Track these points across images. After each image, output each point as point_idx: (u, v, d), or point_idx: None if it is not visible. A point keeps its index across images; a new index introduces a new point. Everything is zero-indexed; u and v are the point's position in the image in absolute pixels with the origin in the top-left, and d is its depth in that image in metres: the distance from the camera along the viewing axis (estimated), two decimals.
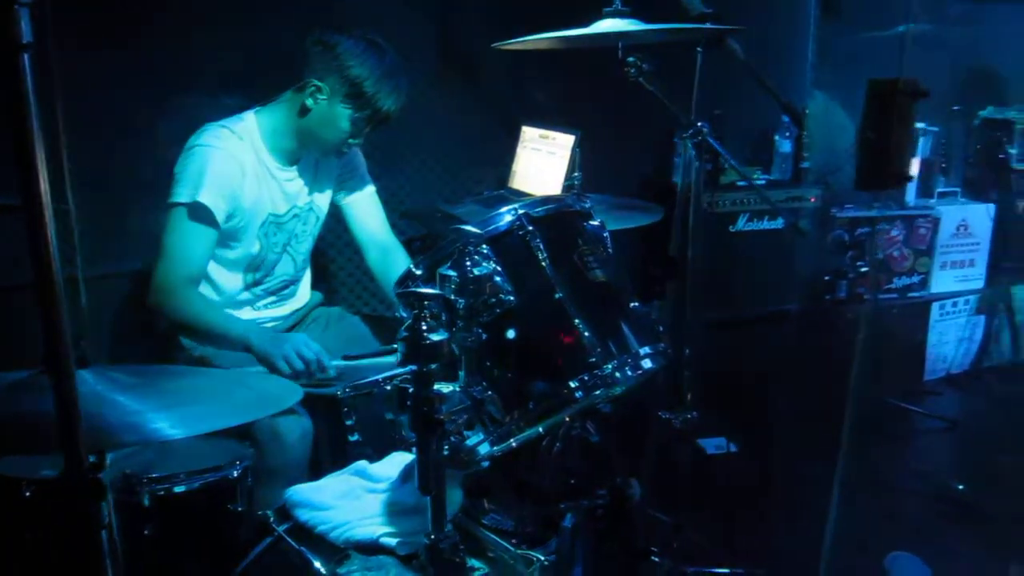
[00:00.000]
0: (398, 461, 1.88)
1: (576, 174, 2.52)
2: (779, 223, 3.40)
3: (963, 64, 4.01)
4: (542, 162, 3.03)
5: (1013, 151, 3.66)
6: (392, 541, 1.64)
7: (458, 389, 1.46)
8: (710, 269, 3.08)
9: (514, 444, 1.55)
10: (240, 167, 2.25)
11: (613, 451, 2.37)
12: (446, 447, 1.45)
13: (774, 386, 3.15)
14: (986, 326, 3.88)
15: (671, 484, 2.49)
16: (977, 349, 3.89)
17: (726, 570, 2.40)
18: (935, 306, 3.84)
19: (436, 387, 1.38)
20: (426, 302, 1.36)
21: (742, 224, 3.36)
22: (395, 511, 1.73)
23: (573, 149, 2.85)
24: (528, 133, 3.17)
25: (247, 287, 2.43)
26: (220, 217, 2.22)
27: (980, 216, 3.90)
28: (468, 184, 3.24)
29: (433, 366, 1.36)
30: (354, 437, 1.82)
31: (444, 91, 3.20)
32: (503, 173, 3.21)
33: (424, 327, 1.34)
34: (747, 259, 3.31)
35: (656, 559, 2.24)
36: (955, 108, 3.80)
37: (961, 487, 2.96)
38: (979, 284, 3.92)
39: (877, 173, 1.60)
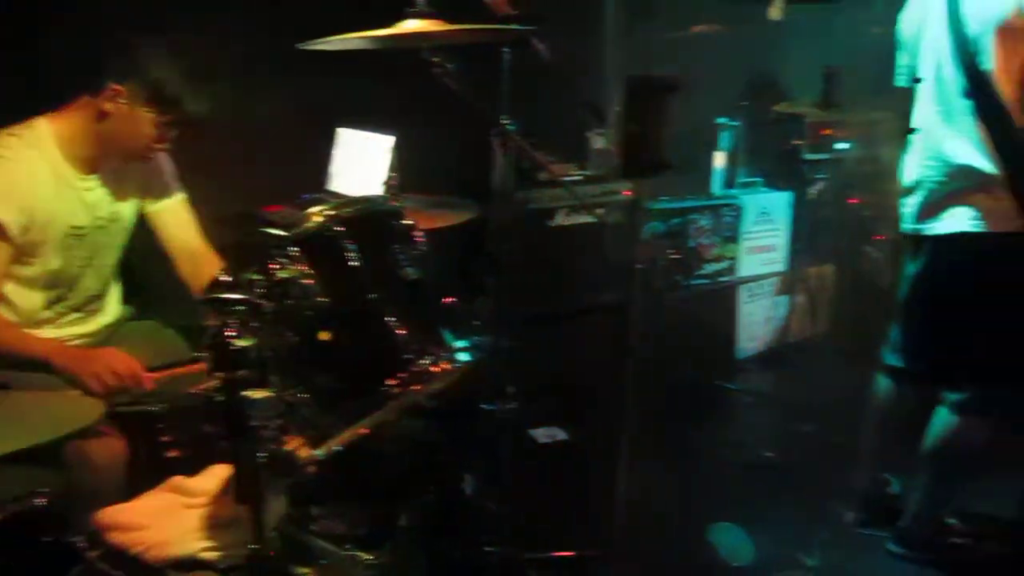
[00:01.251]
0: (217, 473, 1.83)
1: (393, 175, 2.53)
2: (596, 214, 3.51)
3: (760, 62, 4.31)
4: (360, 164, 3.02)
5: (803, 143, 3.95)
6: (211, 556, 1.60)
7: (271, 395, 1.45)
8: (529, 264, 3.17)
9: (337, 447, 1.55)
10: (32, 177, 2.12)
11: (443, 447, 2.40)
12: (263, 454, 1.43)
13: (599, 374, 3.27)
14: (788, 304, 4.18)
15: (504, 475, 2.53)
16: (781, 327, 4.18)
17: (561, 554, 2.47)
18: (743, 289, 4.09)
19: (247, 394, 1.36)
20: (232, 308, 1.34)
21: (560, 219, 3.46)
22: (215, 524, 1.69)
23: (390, 150, 2.85)
24: (345, 135, 3.15)
25: (49, 305, 2.29)
26: (13, 231, 2.08)
27: (779, 204, 4.19)
28: (284, 188, 3.17)
29: (242, 372, 1.34)
30: (172, 452, 1.76)
31: (256, 93, 3.12)
32: (320, 176, 3.17)
33: (230, 334, 1.32)
34: (566, 253, 3.41)
35: (492, 550, 2.29)
36: (743, 104, 4.05)
37: (773, 455, 3.17)
38: (781, 266, 4.21)
39: (639, 161, 1.70)
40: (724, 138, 4.08)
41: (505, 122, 2.11)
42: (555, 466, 3.10)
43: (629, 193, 3.69)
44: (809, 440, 3.28)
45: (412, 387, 1.54)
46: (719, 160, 4.08)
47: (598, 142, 3.70)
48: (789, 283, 4.17)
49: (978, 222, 2.27)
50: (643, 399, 2.89)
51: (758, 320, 4.16)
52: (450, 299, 1.72)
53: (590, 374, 3.17)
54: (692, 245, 3.94)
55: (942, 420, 2.48)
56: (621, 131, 1.64)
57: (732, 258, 4.07)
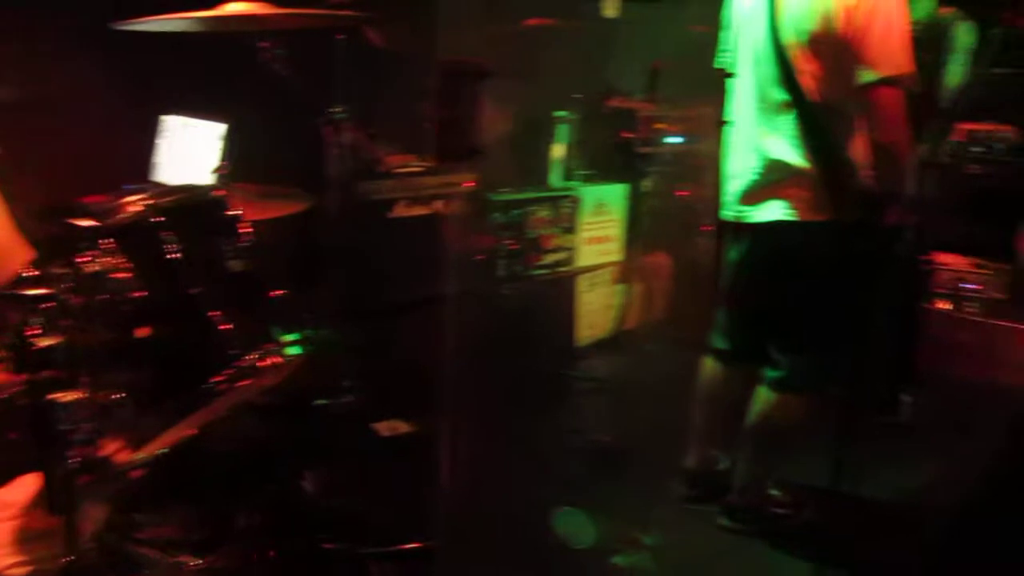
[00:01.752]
0: (26, 484, 1.70)
1: (223, 163, 2.43)
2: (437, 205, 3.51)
3: (596, 57, 4.42)
4: (188, 152, 2.89)
5: (636, 136, 4.09)
6: (21, 571, 1.49)
7: (82, 396, 1.36)
8: (368, 255, 3.13)
9: (161, 449, 1.48)
10: None
11: (279, 445, 2.34)
12: (76, 461, 1.34)
13: (442, 366, 3.27)
14: (625, 292, 4.31)
15: (347, 470, 2.49)
16: (619, 314, 4.32)
17: (403, 547, 2.45)
18: (582, 278, 4.20)
19: (55, 396, 1.28)
20: (35, 304, 1.25)
21: (400, 210, 3.43)
22: (25, 538, 1.57)
23: (220, 138, 2.74)
24: (172, 122, 3.00)
25: None
26: None
27: (615, 194, 4.32)
28: (106, 178, 2.99)
29: (48, 373, 1.25)
30: None
31: (75, 76, 2.92)
32: (145, 165, 3.01)
33: (33, 332, 1.23)
34: (406, 244, 3.38)
35: (334, 547, 2.24)
36: (577, 96, 4.15)
37: (608, 438, 3.27)
38: (617, 256, 4.34)
39: (452, 147, 1.72)
40: (562, 131, 4.16)
41: (336, 111, 2.07)
42: (399, 459, 3.08)
43: (470, 184, 3.71)
44: (645, 423, 3.40)
45: (240, 384, 1.48)
46: (557, 152, 4.16)
47: None
48: (625, 272, 4.31)
49: (791, 212, 2.42)
50: (484, 388, 2.91)
51: (597, 309, 4.27)
52: (280, 292, 1.67)
53: (432, 365, 3.17)
54: (532, 236, 4.00)
55: (762, 398, 2.63)
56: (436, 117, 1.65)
57: (571, 248, 4.16)
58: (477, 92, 1.61)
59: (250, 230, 1.62)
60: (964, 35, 3.39)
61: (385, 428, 3.08)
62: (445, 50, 3.00)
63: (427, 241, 3.42)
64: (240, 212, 1.63)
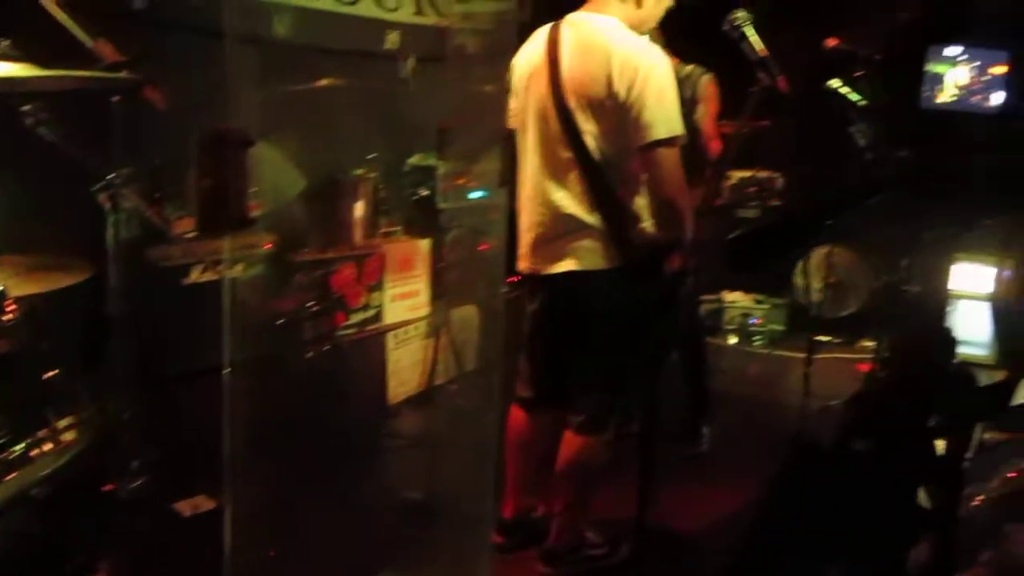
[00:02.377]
0: None
1: None
2: (236, 269, 3.40)
3: (395, 116, 4.47)
4: None
5: (435, 192, 4.15)
6: None
7: None
8: (159, 325, 2.98)
9: None
10: None
11: (64, 540, 2.15)
12: None
13: (243, 435, 3.14)
14: (434, 347, 4.32)
15: (145, 557, 2.32)
16: (429, 369, 4.32)
17: None
18: (390, 335, 4.18)
19: None
20: None
21: (196, 275, 3.30)
22: None
23: None
24: None
25: None
26: None
27: (419, 250, 4.35)
28: None
29: None
30: None
31: None
32: None
33: None
34: (202, 311, 3.25)
35: None
36: (370, 157, 4.18)
37: (419, 496, 3.24)
38: (425, 311, 4.36)
39: (216, 218, 1.69)
40: (363, 189, 4.16)
41: (114, 175, 1.97)
42: (206, 538, 2.91)
43: (269, 246, 3.63)
44: (460, 475, 3.40)
45: (9, 475, 1.36)
46: (359, 210, 4.15)
47: None
48: (434, 326, 4.33)
49: (581, 262, 2.54)
50: (295, 451, 2.81)
51: (407, 365, 4.26)
52: (56, 370, 1.55)
53: (238, 433, 3.03)
54: (337, 295, 3.95)
55: (568, 442, 2.71)
56: (196, 188, 1.60)
57: (377, 306, 4.14)
58: (241, 160, 1.57)
59: (13, 306, 1.49)
60: (711, 90, 3.71)
61: (186, 507, 2.91)
62: (232, 112, 2.94)
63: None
64: (3, 288, 1.51)
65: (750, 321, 5.99)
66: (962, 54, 1.01)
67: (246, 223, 1.78)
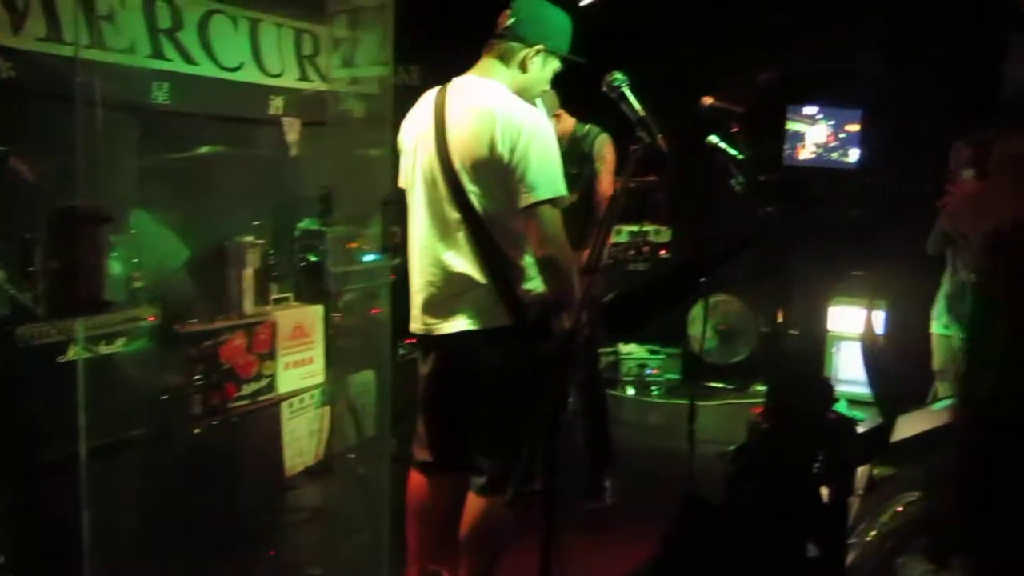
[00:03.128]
0: None
1: None
2: (118, 344, 3.26)
3: (283, 181, 4.42)
4: None
5: (329, 257, 4.09)
6: None
7: None
8: (33, 405, 2.82)
9: None
10: None
11: None
12: None
13: (132, 516, 2.98)
14: (330, 415, 4.23)
15: None
16: (326, 438, 4.21)
17: None
18: (284, 405, 4.06)
19: None
20: None
21: (74, 352, 3.14)
22: None
23: None
24: None
25: None
26: None
27: (312, 316, 4.27)
28: None
29: None
30: None
31: None
32: None
33: None
34: (90, 388, 3.10)
35: None
36: (256, 223, 4.12)
37: (319, 572, 3.13)
38: (320, 378, 4.26)
39: (67, 300, 1.62)
40: (252, 256, 4.07)
41: None
42: None
43: (153, 319, 3.50)
44: (361, 545, 3.31)
45: None
46: (248, 278, 4.05)
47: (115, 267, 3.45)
48: (330, 394, 4.23)
49: (472, 321, 2.54)
50: (186, 534, 2.68)
51: (303, 435, 4.14)
52: None
53: (120, 519, 2.88)
54: (227, 366, 3.82)
55: (471, 505, 2.66)
56: (43, 269, 1.52)
57: (271, 375, 4.03)
58: (94, 238, 1.50)
59: None
60: (607, 149, 3.82)
61: None
62: (108, 181, 2.85)
63: (109, 383, 3.15)
64: None
65: (646, 372, 6.10)
66: (818, 113, 1.08)
67: (98, 305, 1.70)
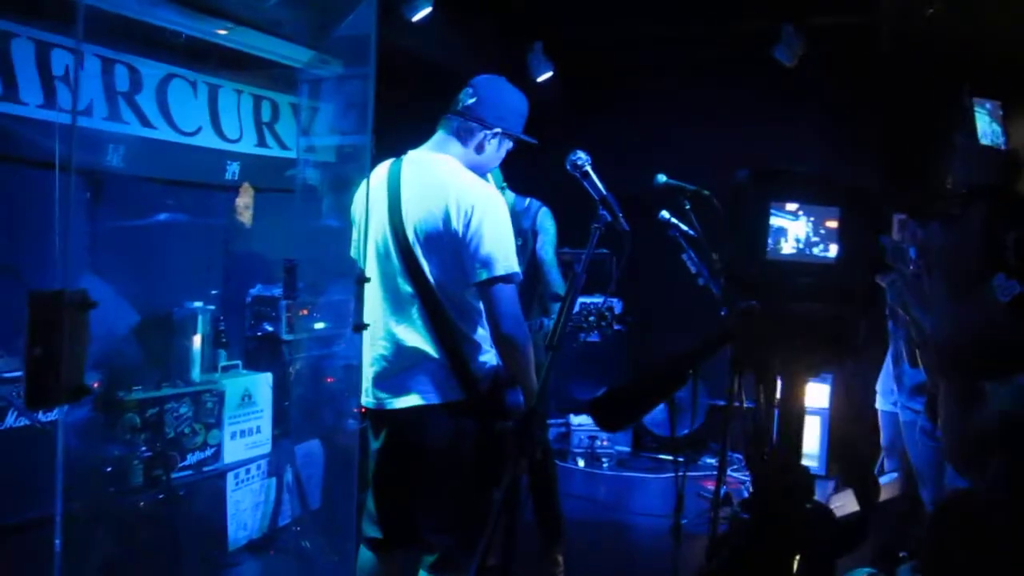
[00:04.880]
0: None
1: None
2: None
3: (233, 248, 4.37)
4: None
5: (281, 324, 4.04)
6: None
7: None
8: None
9: None
10: None
11: None
12: None
13: None
14: (277, 487, 4.12)
15: None
16: (272, 510, 4.10)
17: None
18: (230, 476, 3.94)
19: None
20: None
21: (11, 421, 3.04)
22: None
23: None
24: None
25: None
26: None
27: (261, 384, 4.18)
28: None
29: None
30: None
31: None
32: None
33: None
34: (19, 460, 2.98)
35: None
36: (216, 291, 4.06)
37: None
38: (267, 449, 4.16)
39: (48, 389, 1.58)
40: (200, 323, 4.00)
41: None
42: None
43: (96, 386, 3.40)
44: None
45: None
46: (196, 344, 3.98)
47: None
48: (275, 464, 4.14)
49: (425, 396, 2.52)
50: None
51: (247, 507, 4.02)
52: None
53: None
54: (172, 436, 3.72)
55: None
56: (26, 357, 1.47)
57: (217, 445, 3.92)
58: (79, 324, 1.46)
59: None
60: (548, 221, 3.90)
61: None
62: (60, 246, 2.79)
63: (45, 455, 3.03)
64: None
65: (596, 444, 6.09)
66: (799, 209, 1.13)
67: (81, 393, 1.65)
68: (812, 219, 1.22)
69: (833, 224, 1.22)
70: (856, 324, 1.22)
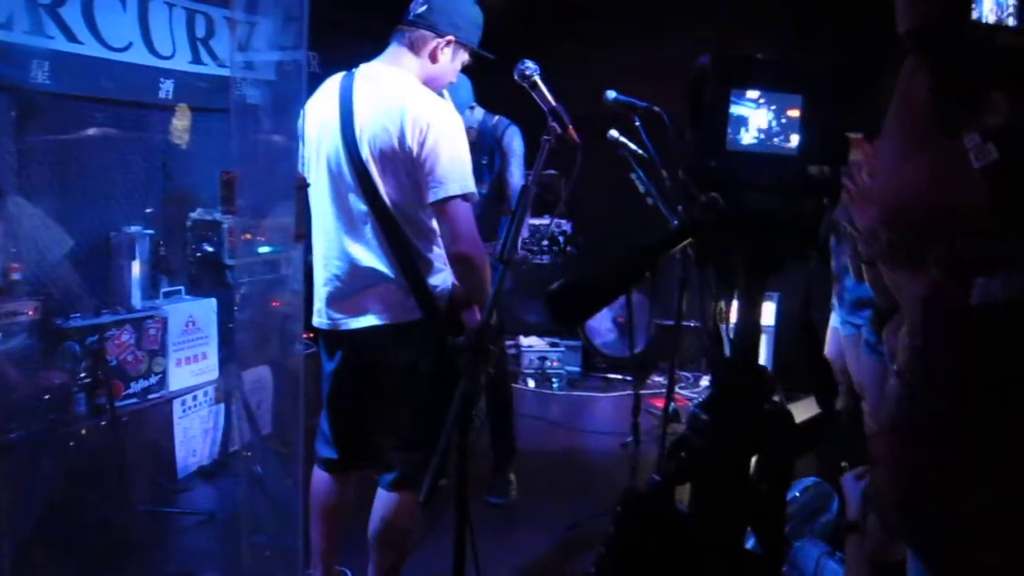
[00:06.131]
0: None
1: None
2: None
3: (171, 169, 4.22)
4: None
5: (223, 248, 3.92)
6: None
7: None
8: None
9: None
10: None
11: None
12: None
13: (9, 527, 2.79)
14: (226, 413, 4.07)
15: None
16: (221, 437, 4.06)
17: None
18: (176, 403, 3.89)
19: None
20: None
21: None
22: None
23: None
24: None
25: None
26: None
27: (205, 310, 4.10)
28: None
29: None
30: None
31: None
32: None
33: None
34: None
35: None
36: (154, 211, 3.94)
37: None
38: (214, 375, 4.10)
39: None
40: (139, 247, 3.88)
41: None
42: None
43: (33, 313, 3.29)
44: (259, 550, 3.19)
45: None
46: (136, 270, 3.86)
47: None
48: (224, 390, 4.08)
49: (381, 316, 2.48)
50: (72, 543, 2.53)
51: (196, 434, 3.98)
52: None
53: None
54: (115, 363, 3.63)
55: (381, 501, 2.60)
56: None
57: (161, 372, 3.85)
58: None
59: None
60: (516, 141, 3.84)
61: None
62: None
63: None
64: None
65: (547, 364, 6.13)
66: (760, 97, 1.08)
67: None
68: (774, 107, 1.18)
69: (795, 113, 1.18)
70: (818, 217, 1.20)
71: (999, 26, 1.21)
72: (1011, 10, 1.19)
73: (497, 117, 3.85)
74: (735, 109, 1.15)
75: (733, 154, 1.15)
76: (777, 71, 1.17)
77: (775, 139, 1.18)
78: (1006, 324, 1.21)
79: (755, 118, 1.16)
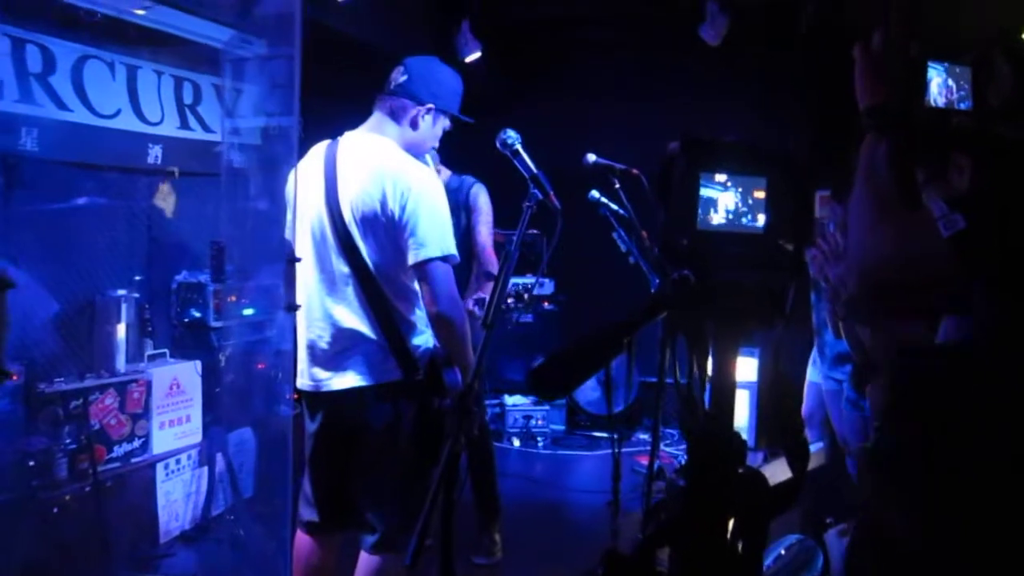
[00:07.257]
0: None
1: None
2: None
3: (157, 234, 4.26)
4: None
5: (209, 311, 3.95)
6: None
7: None
8: None
9: None
10: None
11: None
12: None
13: None
14: (210, 476, 4.05)
15: None
16: (204, 501, 4.03)
17: None
18: (159, 467, 3.86)
19: None
20: None
21: None
22: None
23: None
24: None
25: None
26: None
27: (189, 373, 4.10)
28: None
29: None
30: None
31: None
32: None
33: None
34: None
35: None
36: (140, 277, 3.96)
37: None
38: (197, 438, 4.08)
39: None
40: (124, 310, 3.89)
41: None
42: None
43: (16, 377, 3.29)
44: None
45: None
46: (120, 333, 3.87)
47: None
48: (207, 453, 4.06)
49: (363, 377, 2.51)
50: None
51: (179, 498, 3.95)
52: None
53: None
54: (98, 427, 3.62)
55: (363, 563, 2.60)
56: None
57: (144, 436, 3.83)
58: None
59: None
60: (482, 198, 3.90)
61: None
62: None
63: None
64: None
65: (531, 423, 6.14)
66: (727, 180, 1.14)
67: (3, 378, 1.59)
68: (740, 190, 1.25)
69: (761, 194, 1.25)
70: (784, 291, 1.25)
71: (951, 109, 1.29)
72: (963, 93, 1.27)
73: (462, 177, 3.93)
74: (704, 192, 1.22)
75: (703, 233, 1.22)
76: (742, 155, 1.24)
77: (743, 219, 1.24)
78: (965, 364, 1.26)
79: (723, 199, 1.23)
